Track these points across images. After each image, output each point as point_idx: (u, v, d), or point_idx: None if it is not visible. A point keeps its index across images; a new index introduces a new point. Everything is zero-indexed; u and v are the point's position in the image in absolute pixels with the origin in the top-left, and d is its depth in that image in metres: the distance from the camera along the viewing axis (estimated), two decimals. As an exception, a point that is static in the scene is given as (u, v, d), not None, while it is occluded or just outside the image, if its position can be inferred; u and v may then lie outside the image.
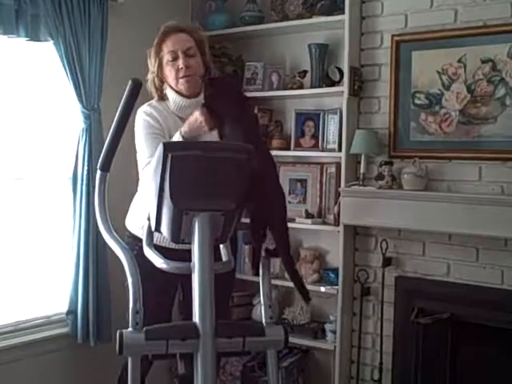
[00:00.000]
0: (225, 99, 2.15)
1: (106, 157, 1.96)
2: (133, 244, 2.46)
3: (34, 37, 3.23)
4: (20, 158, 3.45)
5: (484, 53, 3.36)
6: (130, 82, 1.89)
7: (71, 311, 3.53)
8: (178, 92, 2.55)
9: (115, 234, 1.92)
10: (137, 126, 2.54)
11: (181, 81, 2.51)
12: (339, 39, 3.81)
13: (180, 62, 2.49)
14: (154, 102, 2.59)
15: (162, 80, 2.57)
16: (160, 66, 2.55)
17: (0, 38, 3.13)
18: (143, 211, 2.43)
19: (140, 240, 2.37)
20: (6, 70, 3.34)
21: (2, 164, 3.35)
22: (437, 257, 3.54)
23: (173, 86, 2.54)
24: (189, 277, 1.80)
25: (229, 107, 2.12)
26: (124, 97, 1.90)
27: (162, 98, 2.58)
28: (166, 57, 2.52)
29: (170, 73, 2.52)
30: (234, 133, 2.08)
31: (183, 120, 2.51)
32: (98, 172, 1.97)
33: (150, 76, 2.58)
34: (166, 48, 2.51)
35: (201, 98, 2.49)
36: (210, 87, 2.21)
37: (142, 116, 2.53)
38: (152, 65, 2.57)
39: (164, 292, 2.53)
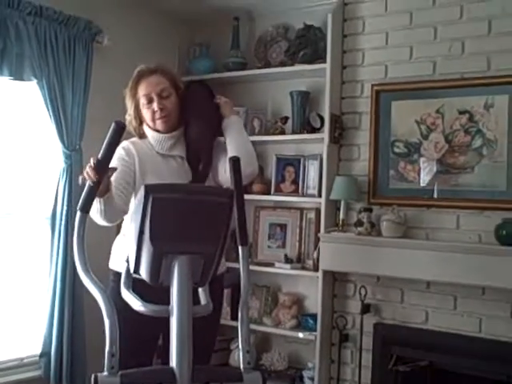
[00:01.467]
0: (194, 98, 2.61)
1: (87, 198, 1.95)
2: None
3: (18, 76, 3.25)
4: (-1, 196, 3.42)
5: (461, 104, 3.44)
6: (113, 125, 1.89)
7: (45, 353, 3.45)
8: (155, 130, 2.58)
9: (93, 275, 1.89)
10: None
11: (158, 122, 2.54)
12: (320, 87, 3.88)
13: (155, 106, 2.52)
14: (135, 138, 2.61)
15: (140, 120, 2.60)
16: (137, 108, 2.58)
17: (-16, 77, 3.15)
18: (125, 247, 2.44)
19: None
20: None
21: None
22: (415, 304, 3.54)
23: (151, 126, 2.58)
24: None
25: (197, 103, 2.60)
26: (107, 139, 1.90)
27: (141, 136, 2.61)
28: (142, 100, 2.55)
29: (146, 115, 2.56)
30: (199, 123, 2.56)
31: (164, 157, 2.54)
32: (78, 213, 1.95)
33: (127, 117, 2.61)
34: (141, 91, 2.54)
35: (178, 132, 2.55)
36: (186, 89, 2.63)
37: (119, 150, 2.54)
38: (129, 107, 2.60)
39: (144, 335, 2.48)
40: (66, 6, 3.46)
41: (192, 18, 4.41)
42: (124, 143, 2.56)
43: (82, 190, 1.99)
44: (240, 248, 2.10)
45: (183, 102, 2.60)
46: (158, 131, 2.56)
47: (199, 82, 2.79)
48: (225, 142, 2.59)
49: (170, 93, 2.54)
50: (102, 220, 2.30)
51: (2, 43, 3.13)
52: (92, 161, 2.01)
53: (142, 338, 2.43)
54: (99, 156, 1.94)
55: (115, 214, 2.35)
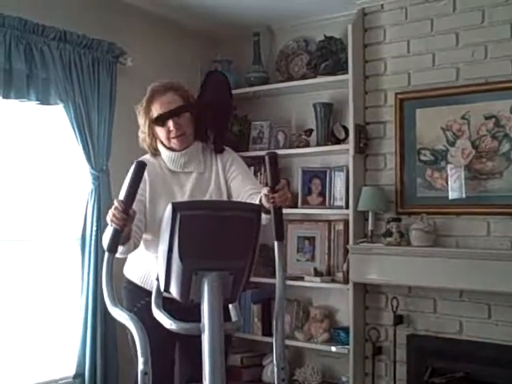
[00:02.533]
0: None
1: (113, 239, 2.01)
2: (137, 295, 2.46)
3: (45, 100, 3.30)
4: (29, 219, 3.46)
5: (487, 109, 3.40)
6: (134, 165, 1.96)
7: (78, 375, 3.47)
8: (169, 148, 2.54)
9: (121, 307, 1.97)
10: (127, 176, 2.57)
11: (173, 140, 2.50)
12: (343, 98, 3.88)
13: (170, 124, 2.47)
14: (147, 156, 2.59)
15: (153, 137, 2.56)
16: (150, 126, 2.53)
17: (11, 102, 3.20)
18: (142, 259, 2.46)
19: (142, 290, 2.41)
20: (17, 133, 3.39)
21: (12, 225, 3.37)
22: (448, 314, 3.49)
23: (165, 144, 2.54)
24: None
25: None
26: (129, 178, 1.97)
27: (155, 153, 2.59)
28: None
29: (161, 133, 2.52)
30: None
31: (176, 174, 2.52)
32: (106, 254, 2.02)
33: (141, 135, 2.57)
34: (155, 110, 2.49)
35: (192, 147, 2.52)
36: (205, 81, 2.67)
37: None
38: (142, 124, 2.56)
39: (166, 348, 2.47)
40: (89, 29, 3.52)
41: (213, 35, 4.47)
42: None
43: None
44: (276, 243, 2.09)
45: (201, 89, 2.62)
46: (171, 149, 2.53)
47: (218, 72, 2.81)
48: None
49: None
50: (119, 256, 2.31)
51: (27, 69, 3.18)
52: (116, 203, 2.05)
53: (164, 349, 2.42)
54: (123, 198, 2.01)
55: (130, 252, 2.37)
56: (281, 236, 2.09)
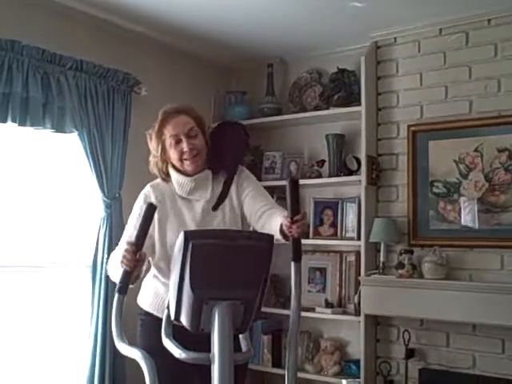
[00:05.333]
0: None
1: (124, 280, 2.06)
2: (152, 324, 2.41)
3: (60, 129, 3.34)
4: (42, 246, 3.47)
5: (500, 142, 3.40)
6: (145, 207, 2.02)
7: (87, 403, 3.44)
8: (180, 171, 2.52)
9: (131, 345, 1.97)
10: (135, 203, 2.58)
11: (186, 162, 2.48)
12: (356, 129, 3.89)
13: (184, 145, 2.46)
14: (159, 180, 2.58)
15: (165, 162, 2.55)
16: (163, 150, 2.52)
17: (27, 130, 3.24)
18: (154, 288, 2.46)
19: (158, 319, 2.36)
20: (32, 160, 3.42)
21: (24, 252, 3.38)
22: (461, 348, 3.44)
23: (178, 166, 2.52)
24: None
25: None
26: (141, 219, 2.02)
27: (166, 179, 2.56)
28: (169, 140, 2.48)
29: (174, 155, 2.50)
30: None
31: (185, 200, 2.50)
32: (116, 294, 2.06)
33: (152, 159, 2.56)
34: (168, 132, 2.49)
35: (202, 174, 2.51)
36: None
37: (141, 196, 2.55)
38: (155, 149, 2.54)
39: (178, 374, 2.44)
40: (104, 59, 3.58)
41: (227, 65, 4.53)
42: (146, 188, 2.56)
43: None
44: (293, 264, 2.07)
45: (215, 141, 2.60)
46: (182, 173, 2.51)
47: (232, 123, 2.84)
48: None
49: (197, 132, 2.50)
50: None
51: (44, 98, 3.23)
52: (127, 246, 2.08)
53: (176, 377, 2.39)
54: (133, 240, 2.06)
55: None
56: (298, 257, 2.08)
